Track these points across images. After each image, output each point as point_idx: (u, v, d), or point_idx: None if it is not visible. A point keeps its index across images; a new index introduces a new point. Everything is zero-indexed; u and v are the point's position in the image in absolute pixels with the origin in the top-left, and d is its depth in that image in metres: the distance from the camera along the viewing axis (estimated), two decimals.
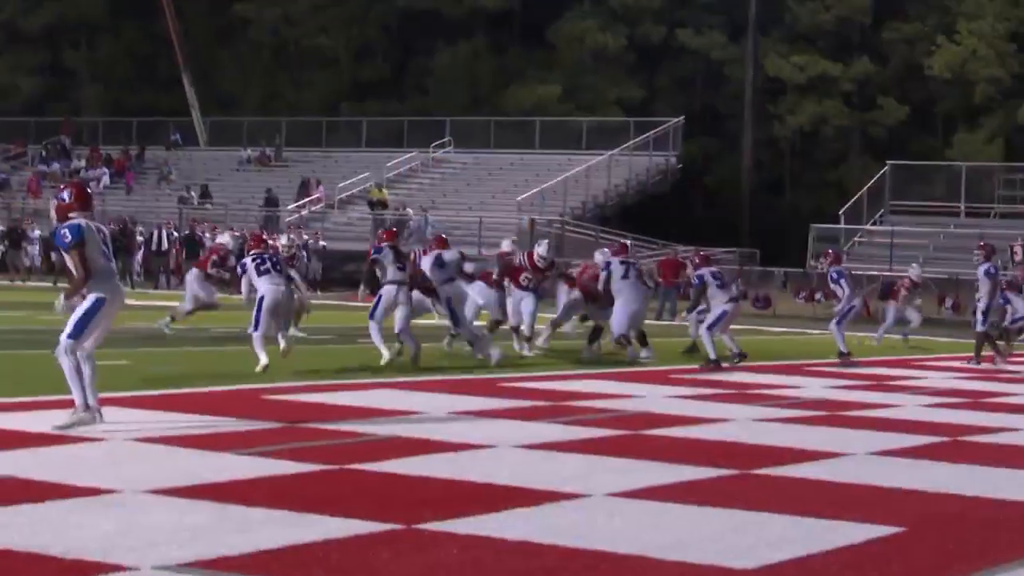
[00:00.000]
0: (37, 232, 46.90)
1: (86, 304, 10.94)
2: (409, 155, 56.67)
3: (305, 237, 43.63)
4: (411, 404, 13.56)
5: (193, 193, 54.71)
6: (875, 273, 38.76)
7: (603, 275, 20.99)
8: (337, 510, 7.99)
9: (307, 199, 52.80)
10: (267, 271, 17.07)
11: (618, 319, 20.65)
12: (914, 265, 29.92)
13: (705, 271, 20.78)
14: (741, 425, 13.10)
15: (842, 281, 21.86)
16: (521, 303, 21.08)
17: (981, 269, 22.59)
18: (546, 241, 22.83)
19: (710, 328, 20.18)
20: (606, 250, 22.99)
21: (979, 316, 22.60)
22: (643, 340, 21.16)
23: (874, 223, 46.47)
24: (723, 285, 20.75)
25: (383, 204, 51.33)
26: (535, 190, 50.31)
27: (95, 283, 10.95)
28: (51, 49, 73.48)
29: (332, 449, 10.49)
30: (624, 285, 20.78)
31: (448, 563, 6.89)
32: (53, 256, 45.18)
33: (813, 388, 17.44)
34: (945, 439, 12.60)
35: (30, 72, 73.10)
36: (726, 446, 11.54)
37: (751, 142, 65.05)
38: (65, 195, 11.32)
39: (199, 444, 10.39)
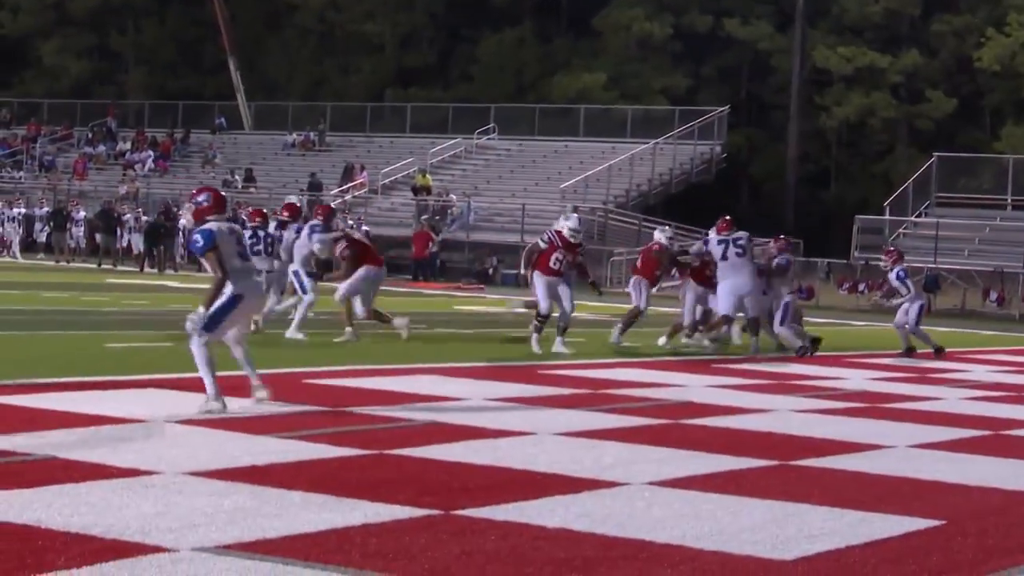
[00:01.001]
0: (82, 213, 47.16)
1: (223, 300, 11.27)
2: (453, 141, 56.73)
3: (350, 222, 43.75)
4: (450, 390, 13.57)
5: (237, 177, 54.91)
6: (920, 265, 38.51)
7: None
8: (376, 495, 8.00)
9: (350, 184, 52.91)
10: (258, 252, 16.91)
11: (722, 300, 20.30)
12: None
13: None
14: (781, 416, 13.07)
15: (907, 281, 21.88)
16: (560, 291, 18.98)
17: None
18: (575, 214, 20.76)
19: (782, 323, 20.19)
20: (666, 228, 22.46)
21: None
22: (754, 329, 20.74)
23: (919, 215, 46.21)
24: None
25: (427, 190, 51.39)
26: (579, 178, 50.27)
27: (233, 281, 11.28)
28: (98, 32, 73.87)
29: (371, 434, 10.51)
30: (725, 266, 20.34)
31: (486, 550, 6.88)
32: (98, 238, 45.48)
33: (854, 380, 17.39)
34: (987, 433, 12.54)
35: (78, 55, 73.57)
36: (766, 437, 11.52)
37: (797, 133, 64.80)
38: (202, 198, 11.69)
39: (239, 427, 10.43)
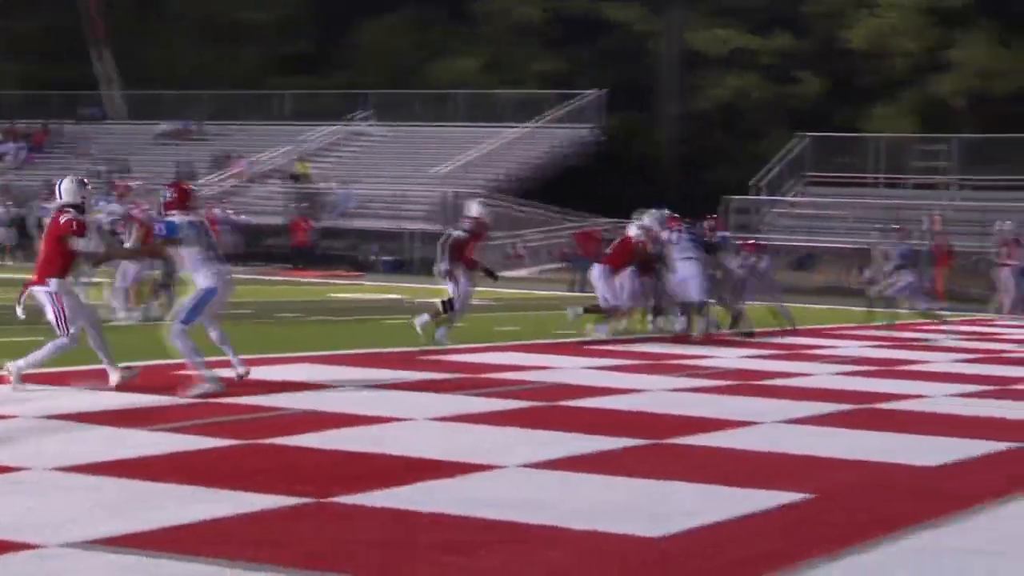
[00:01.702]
0: None
1: (198, 293, 12.22)
2: (331, 128, 56.47)
3: (228, 211, 43.48)
4: (326, 378, 13.53)
5: (103, 168, 54.11)
6: (793, 244, 39.03)
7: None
8: (250, 485, 7.97)
9: (226, 172, 52.48)
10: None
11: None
12: None
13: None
14: (655, 395, 13.19)
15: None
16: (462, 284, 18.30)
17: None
18: (476, 201, 20.35)
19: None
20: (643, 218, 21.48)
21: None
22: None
23: (792, 194, 46.80)
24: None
25: (305, 177, 51.13)
26: (457, 163, 50.30)
27: (206, 274, 12.21)
28: None
29: (246, 424, 10.46)
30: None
31: (362, 537, 6.89)
32: None
33: (727, 358, 17.57)
34: (856, 407, 12.73)
35: None
36: (640, 416, 11.62)
37: (672, 115, 65.26)
38: (168, 193, 12.64)
39: (109, 421, 10.32)
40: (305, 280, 36.04)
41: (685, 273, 20.42)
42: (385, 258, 45.29)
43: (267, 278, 34.39)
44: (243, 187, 51.79)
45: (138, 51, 67.72)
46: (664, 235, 20.80)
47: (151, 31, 70.01)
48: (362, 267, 43.96)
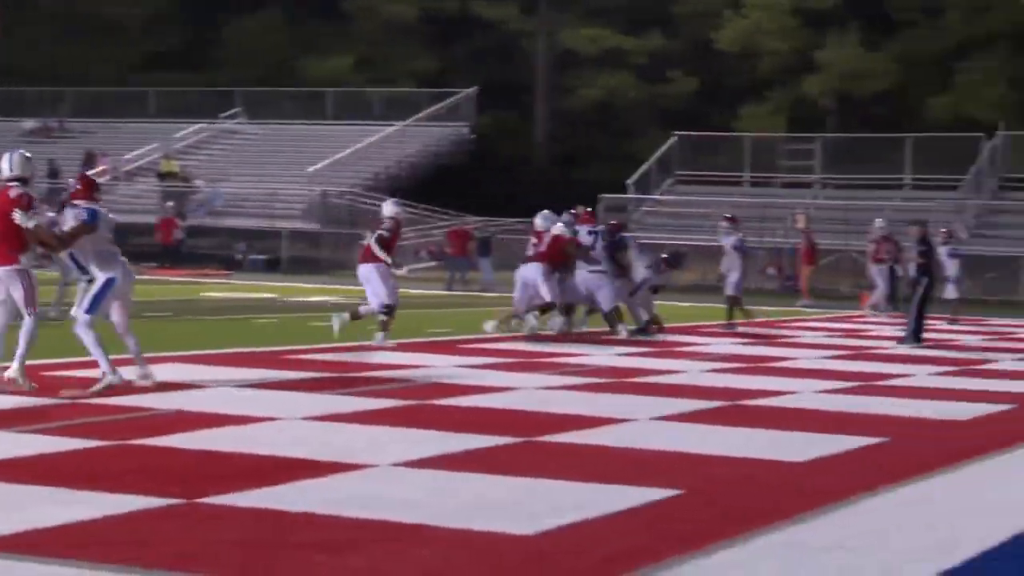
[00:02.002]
0: None
1: (98, 284, 12.32)
2: (199, 126, 55.94)
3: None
4: (197, 377, 13.42)
5: None
6: (663, 242, 39.29)
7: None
8: (117, 486, 7.87)
9: (92, 170, 51.75)
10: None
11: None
12: None
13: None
14: (527, 394, 13.22)
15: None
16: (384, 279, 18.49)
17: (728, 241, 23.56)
18: (391, 201, 20.16)
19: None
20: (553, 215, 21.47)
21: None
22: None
23: (662, 193, 47.21)
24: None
25: (173, 175, 50.60)
26: (328, 161, 50.09)
27: (105, 265, 12.37)
28: None
29: (115, 424, 10.33)
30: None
31: (231, 537, 6.83)
32: None
33: (600, 356, 17.66)
34: (725, 403, 12.87)
35: None
36: (512, 414, 11.65)
37: (546, 114, 65.51)
38: (73, 184, 12.99)
39: None
40: (175, 279, 35.66)
41: (595, 282, 20.60)
42: (256, 256, 44.94)
43: (137, 277, 33.96)
44: (112, 185, 51.11)
45: (1, 46, 66.57)
46: (581, 237, 20.87)
47: (17, 25, 68.86)
48: (232, 266, 43.60)
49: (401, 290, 19.51)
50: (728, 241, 23.61)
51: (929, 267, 21.52)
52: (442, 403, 12.25)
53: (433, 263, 43.86)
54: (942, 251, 27.59)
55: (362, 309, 18.63)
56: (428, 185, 54.21)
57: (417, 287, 33.08)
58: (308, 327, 20.85)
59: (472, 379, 14.27)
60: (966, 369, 17.45)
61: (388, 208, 19.39)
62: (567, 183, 62.67)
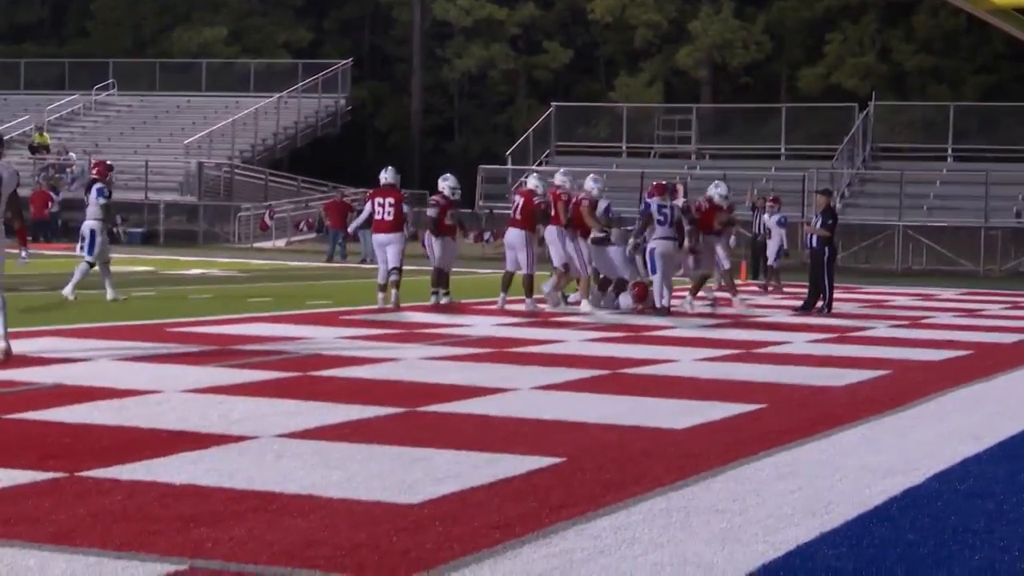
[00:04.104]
0: None
1: None
2: (70, 98, 55.14)
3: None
4: (74, 351, 13.28)
5: None
6: None
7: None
8: None
9: None
10: None
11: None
12: None
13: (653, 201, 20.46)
14: (409, 364, 13.23)
15: None
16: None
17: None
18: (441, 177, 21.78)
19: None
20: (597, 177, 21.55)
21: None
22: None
23: (540, 164, 47.32)
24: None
25: (45, 148, 49.84)
26: (203, 133, 49.63)
27: None
28: None
29: None
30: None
31: (112, 510, 6.78)
32: None
33: (480, 326, 17.71)
34: (605, 372, 12.96)
35: None
36: (393, 385, 11.63)
37: (420, 85, 65.37)
38: None
39: None
40: (50, 253, 35.14)
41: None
42: (133, 230, 44.46)
43: (10, 251, 33.40)
44: None
45: None
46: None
47: None
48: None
49: (279, 262, 19.54)
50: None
51: (832, 237, 21.83)
52: (323, 374, 12.22)
53: (312, 234, 43.71)
54: (769, 219, 27.89)
55: None
56: (304, 157, 54.01)
57: (295, 259, 32.96)
58: (187, 300, 20.66)
59: (353, 350, 14.25)
60: (842, 336, 17.74)
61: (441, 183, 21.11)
62: (443, 154, 62.78)
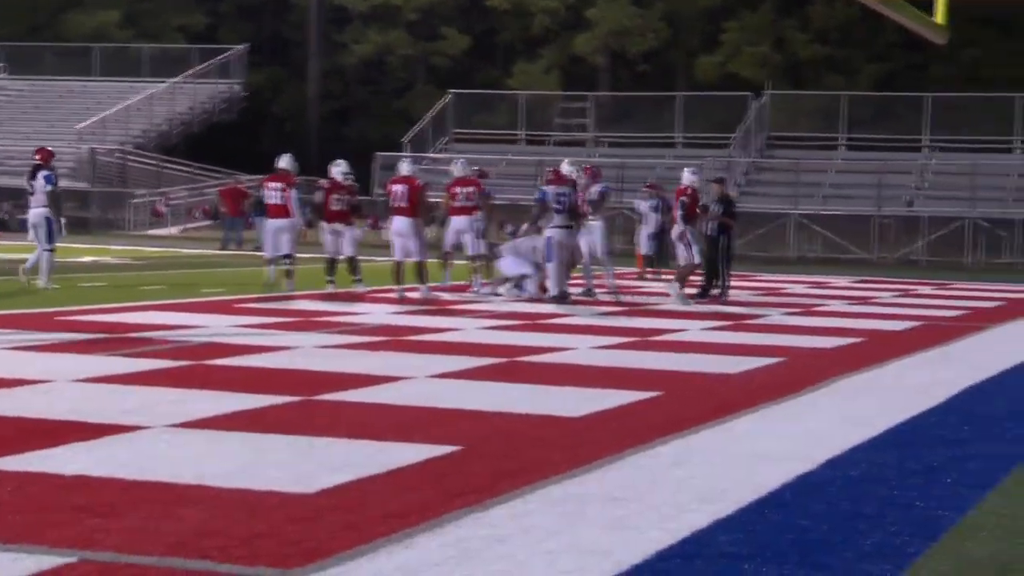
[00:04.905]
0: None
1: None
2: None
3: None
4: None
5: None
6: (438, 200, 39.43)
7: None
8: None
9: None
10: None
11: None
12: None
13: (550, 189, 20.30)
14: (304, 353, 13.15)
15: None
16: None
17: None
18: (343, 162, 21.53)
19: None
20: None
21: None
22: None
23: (438, 151, 47.25)
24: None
25: None
26: (96, 118, 49.05)
27: None
28: None
29: None
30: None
31: (1, 501, 6.68)
32: None
33: (376, 314, 17.65)
34: (502, 360, 12.94)
35: None
36: (289, 374, 11.56)
37: (318, 71, 64.97)
38: None
39: None
40: None
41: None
42: (23, 216, 43.76)
43: None
44: None
45: None
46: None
47: None
48: None
49: (173, 250, 19.45)
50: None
51: (730, 224, 21.91)
52: (217, 363, 12.11)
53: (207, 222, 43.35)
54: (645, 205, 27.95)
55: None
56: (200, 143, 53.52)
57: (191, 247, 32.65)
58: (79, 288, 20.41)
59: (247, 339, 14.13)
60: (737, 324, 17.85)
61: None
62: (340, 140, 62.44)
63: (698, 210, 21.45)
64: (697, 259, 20.97)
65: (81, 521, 6.34)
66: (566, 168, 20.99)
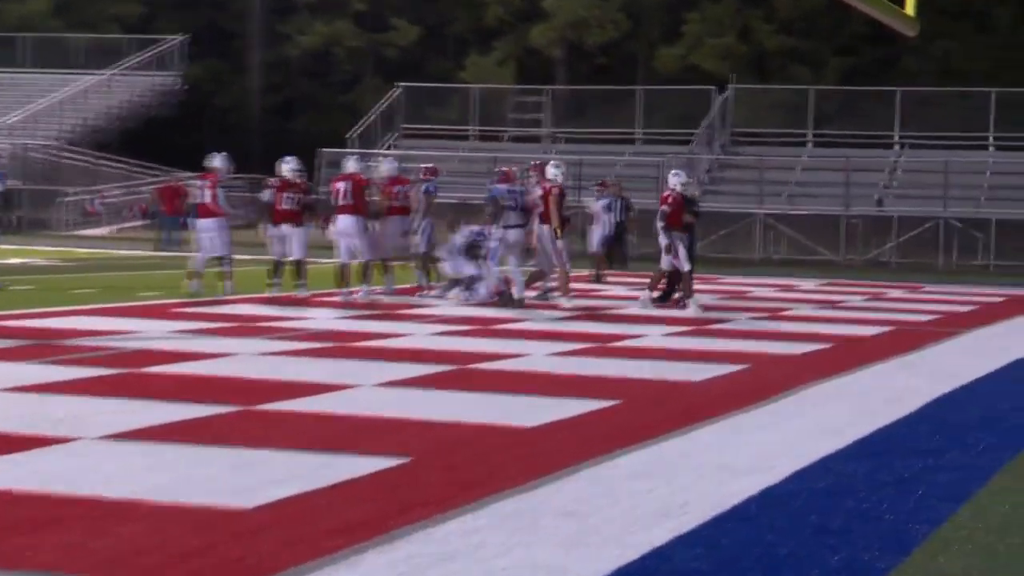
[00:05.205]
0: None
1: None
2: None
3: None
4: None
5: None
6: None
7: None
8: None
9: None
10: None
11: None
12: None
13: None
14: (245, 359, 12.87)
15: None
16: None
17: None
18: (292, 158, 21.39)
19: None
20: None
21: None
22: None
23: (387, 147, 46.71)
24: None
25: None
26: (26, 112, 48.43)
27: None
28: None
29: None
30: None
31: None
32: None
33: (321, 319, 17.33)
34: (453, 367, 12.66)
35: None
36: (228, 382, 11.33)
37: (260, 63, 64.39)
38: None
39: None
40: None
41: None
42: None
43: None
44: None
45: None
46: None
47: None
48: None
49: (106, 251, 19.09)
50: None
51: (693, 226, 21.20)
52: (152, 371, 11.82)
53: (143, 221, 42.66)
54: (597, 204, 27.30)
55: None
56: (136, 138, 52.78)
57: (125, 247, 32.11)
58: (6, 292, 20.06)
59: (185, 345, 13.82)
60: (699, 329, 17.46)
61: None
62: (284, 135, 61.84)
63: (687, 217, 20.65)
64: (687, 266, 20.25)
65: (7, 539, 6.18)
66: (551, 171, 20.37)
